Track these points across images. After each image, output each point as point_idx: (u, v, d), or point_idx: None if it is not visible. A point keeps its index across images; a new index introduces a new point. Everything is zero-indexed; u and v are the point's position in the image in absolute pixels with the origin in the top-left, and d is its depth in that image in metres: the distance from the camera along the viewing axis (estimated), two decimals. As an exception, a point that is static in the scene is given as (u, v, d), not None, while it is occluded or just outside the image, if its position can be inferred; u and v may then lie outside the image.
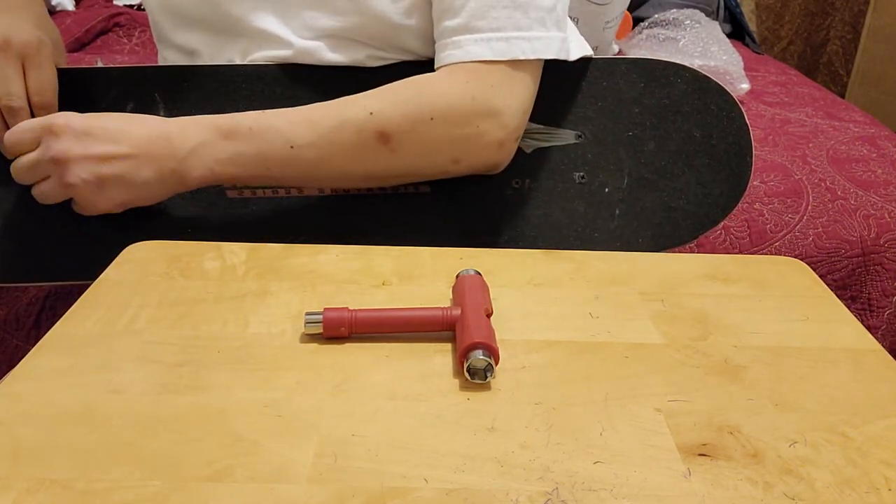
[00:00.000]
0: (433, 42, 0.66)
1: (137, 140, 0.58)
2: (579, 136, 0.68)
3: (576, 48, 0.67)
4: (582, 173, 0.68)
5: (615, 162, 0.68)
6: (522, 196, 0.68)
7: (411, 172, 0.64)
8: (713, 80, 0.68)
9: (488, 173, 0.66)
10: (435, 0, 0.63)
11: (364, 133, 0.60)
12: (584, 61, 0.68)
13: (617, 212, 0.68)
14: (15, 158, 0.60)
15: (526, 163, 0.67)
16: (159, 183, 0.60)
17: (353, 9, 0.64)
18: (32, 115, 0.64)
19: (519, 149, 0.67)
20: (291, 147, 0.59)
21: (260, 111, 0.61)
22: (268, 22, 0.66)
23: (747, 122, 0.68)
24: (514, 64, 0.62)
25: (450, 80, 0.61)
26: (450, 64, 0.62)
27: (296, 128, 0.60)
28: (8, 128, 0.63)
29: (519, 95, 0.62)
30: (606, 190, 0.68)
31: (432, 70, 0.66)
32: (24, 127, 0.59)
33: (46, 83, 0.64)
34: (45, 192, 0.60)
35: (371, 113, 0.59)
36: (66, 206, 0.61)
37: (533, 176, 0.68)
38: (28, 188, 0.61)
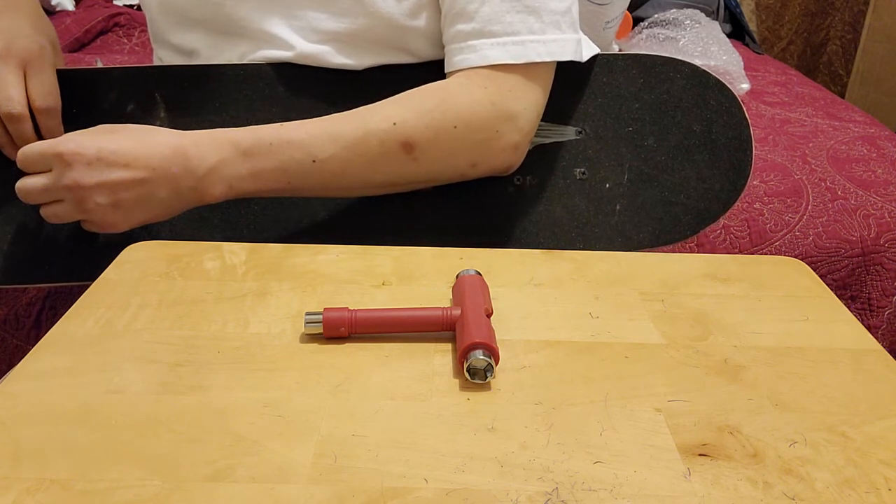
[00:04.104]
0: (440, 43, 0.66)
1: (150, 161, 0.56)
2: (580, 133, 0.69)
3: (586, 49, 0.68)
4: (583, 169, 0.68)
5: (615, 157, 0.69)
6: (524, 193, 0.68)
7: (430, 178, 0.64)
8: (712, 76, 0.69)
9: (501, 175, 0.66)
10: (445, 4, 0.63)
11: (387, 143, 0.59)
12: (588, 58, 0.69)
13: (618, 207, 0.68)
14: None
15: (527, 159, 0.67)
16: (177, 201, 0.59)
17: (358, 10, 0.64)
18: (34, 121, 0.63)
19: None
20: (314, 161, 0.59)
21: (279, 124, 0.59)
22: (272, 24, 0.66)
23: (747, 116, 0.68)
24: (530, 67, 0.62)
25: (469, 87, 0.61)
26: (465, 68, 0.62)
27: (317, 141, 0.59)
28: (8, 133, 0.63)
29: (534, 98, 0.63)
30: (607, 185, 0.68)
31: (430, 71, 0.66)
32: (35, 151, 0.56)
33: (48, 87, 0.63)
34: (58, 214, 0.58)
35: (394, 123, 0.59)
36: None
37: (534, 172, 0.68)
38: None
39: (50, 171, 0.57)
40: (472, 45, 0.62)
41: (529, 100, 0.62)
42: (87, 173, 0.55)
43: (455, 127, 0.60)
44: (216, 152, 0.58)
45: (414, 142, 0.60)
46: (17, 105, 0.61)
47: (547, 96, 0.65)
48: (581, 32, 0.67)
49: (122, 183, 0.56)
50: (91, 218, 0.58)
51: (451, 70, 0.64)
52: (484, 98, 0.60)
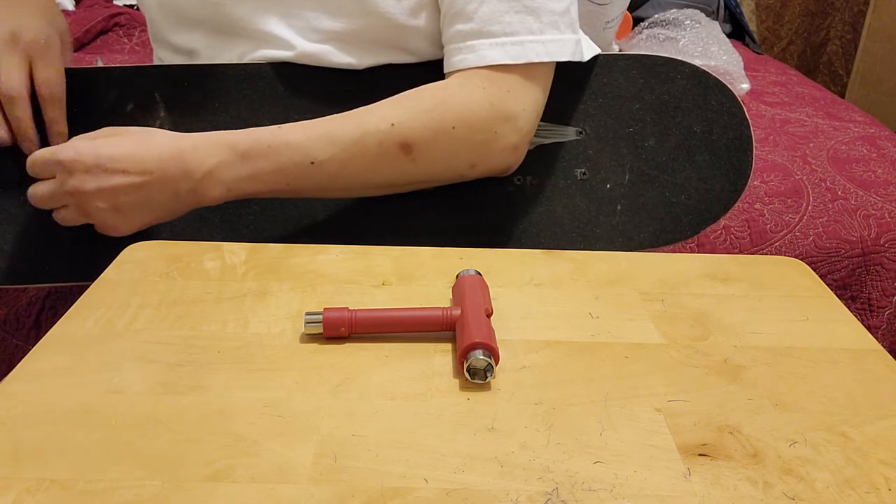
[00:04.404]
0: (440, 43, 0.66)
1: (149, 165, 0.57)
2: (580, 133, 0.69)
3: (587, 49, 0.68)
4: (583, 169, 0.68)
5: (616, 158, 0.69)
6: (524, 193, 0.68)
7: (429, 179, 0.64)
8: (713, 76, 0.69)
9: (501, 175, 0.66)
10: (444, 4, 0.63)
11: (385, 144, 0.59)
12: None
13: (618, 207, 0.68)
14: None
15: (528, 160, 0.67)
16: (177, 203, 0.59)
17: (357, 9, 0.64)
18: (40, 113, 0.64)
19: None
20: (312, 162, 0.59)
21: (277, 126, 0.60)
22: (271, 24, 0.66)
23: (747, 117, 0.68)
24: (529, 68, 0.62)
25: (468, 88, 0.61)
26: (464, 69, 0.62)
27: (315, 142, 0.59)
28: (6, 117, 0.63)
29: (533, 99, 0.63)
30: (608, 186, 0.68)
31: (430, 71, 0.66)
32: (39, 159, 0.58)
33: (54, 76, 0.64)
34: (66, 218, 0.61)
35: (393, 124, 0.59)
36: None
37: (535, 173, 0.68)
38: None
39: (54, 177, 0.59)
40: (470, 46, 0.62)
41: (528, 100, 0.62)
42: (86, 180, 0.57)
43: (453, 127, 0.60)
44: (214, 155, 0.58)
45: (412, 142, 0.60)
46: (16, 86, 0.62)
47: (546, 97, 0.65)
48: (581, 33, 0.67)
49: (121, 188, 0.57)
50: (94, 222, 0.60)
51: (449, 70, 0.63)
52: (482, 99, 0.60)
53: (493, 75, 0.61)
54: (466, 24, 0.62)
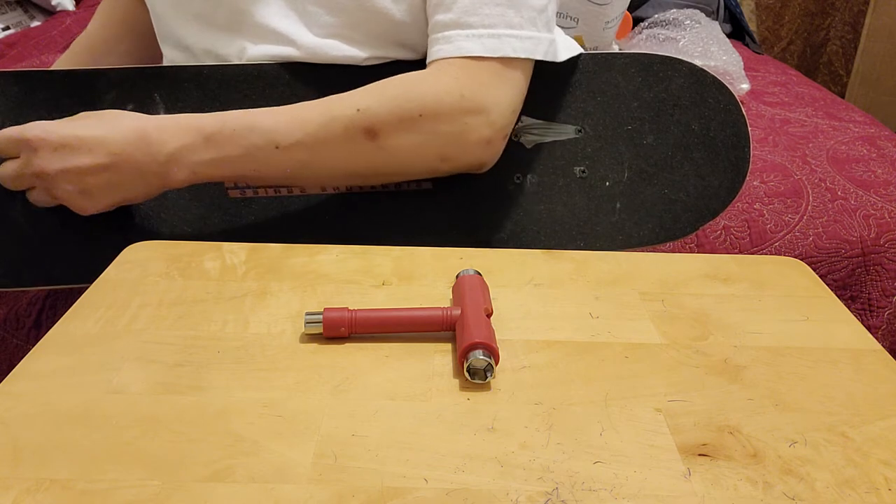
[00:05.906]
0: None
1: (114, 146, 0.57)
2: (579, 131, 0.69)
3: (563, 50, 0.67)
4: (582, 167, 0.69)
5: (615, 156, 0.69)
6: (524, 191, 0.68)
7: (399, 171, 0.63)
8: (709, 74, 0.69)
9: (476, 172, 0.66)
10: None
11: (351, 130, 0.59)
12: (586, 56, 0.69)
13: (618, 205, 0.68)
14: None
15: (526, 158, 0.67)
16: (144, 185, 0.59)
17: (354, 5, 0.64)
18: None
19: (519, 144, 0.68)
20: (277, 147, 0.59)
21: (248, 110, 0.60)
22: (271, 18, 0.66)
23: (744, 114, 0.69)
24: (504, 62, 0.61)
25: (439, 77, 0.60)
26: (440, 59, 0.62)
27: (282, 127, 0.59)
28: None
29: (508, 94, 0.62)
30: (607, 184, 0.69)
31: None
32: (3, 136, 0.58)
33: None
34: (38, 199, 0.61)
35: (358, 109, 0.59)
36: (65, 209, 0.61)
37: (534, 171, 0.68)
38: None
39: (19, 156, 0.58)
40: (447, 36, 0.61)
41: (502, 94, 0.61)
42: (52, 159, 0.57)
43: (420, 115, 0.59)
44: (178, 138, 0.58)
45: (377, 129, 0.59)
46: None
47: (524, 94, 0.64)
48: (558, 32, 0.67)
49: (87, 169, 0.57)
50: (62, 203, 0.60)
51: (429, 60, 0.63)
52: (453, 89, 0.60)
53: (468, 66, 0.60)
54: (446, 14, 0.61)
